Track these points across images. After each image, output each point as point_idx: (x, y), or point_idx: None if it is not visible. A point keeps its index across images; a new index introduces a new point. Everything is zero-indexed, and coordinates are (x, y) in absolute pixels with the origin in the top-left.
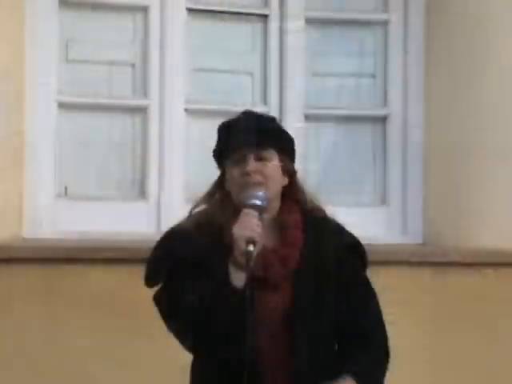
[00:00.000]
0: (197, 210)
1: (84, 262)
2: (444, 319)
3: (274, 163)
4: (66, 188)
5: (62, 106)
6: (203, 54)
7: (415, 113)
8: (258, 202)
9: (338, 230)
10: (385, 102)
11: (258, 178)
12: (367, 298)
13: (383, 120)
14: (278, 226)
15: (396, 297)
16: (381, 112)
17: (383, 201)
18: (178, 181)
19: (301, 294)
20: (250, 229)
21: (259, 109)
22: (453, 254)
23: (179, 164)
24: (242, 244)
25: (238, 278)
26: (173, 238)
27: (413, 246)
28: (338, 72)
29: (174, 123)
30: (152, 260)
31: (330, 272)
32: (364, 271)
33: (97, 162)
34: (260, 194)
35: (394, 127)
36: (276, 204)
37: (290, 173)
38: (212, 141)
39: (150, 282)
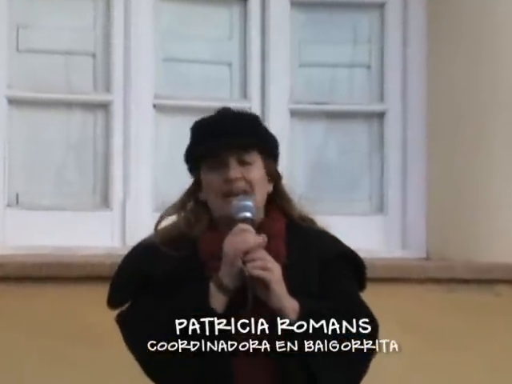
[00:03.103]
0: (165, 221)
1: (37, 281)
2: (453, 343)
3: (258, 167)
4: (17, 196)
5: (13, 101)
6: (174, 42)
7: (416, 108)
8: (249, 215)
9: (324, 241)
10: (382, 95)
11: (242, 185)
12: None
13: (380, 116)
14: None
15: (396, 319)
16: (377, 107)
17: (380, 209)
18: (146, 187)
19: None
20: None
21: (239, 104)
22: (461, 269)
23: (147, 168)
24: (235, 260)
25: (218, 301)
26: (139, 253)
27: (415, 260)
28: (327, 62)
29: (142, 121)
30: (116, 278)
31: (311, 285)
32: (351, 280)
33: (53, 166)
34: (248, 203)
35: (392, 124)
36: (260, 213)
37: (274, 178)
38: (185, 141)
39: (112, 302)
